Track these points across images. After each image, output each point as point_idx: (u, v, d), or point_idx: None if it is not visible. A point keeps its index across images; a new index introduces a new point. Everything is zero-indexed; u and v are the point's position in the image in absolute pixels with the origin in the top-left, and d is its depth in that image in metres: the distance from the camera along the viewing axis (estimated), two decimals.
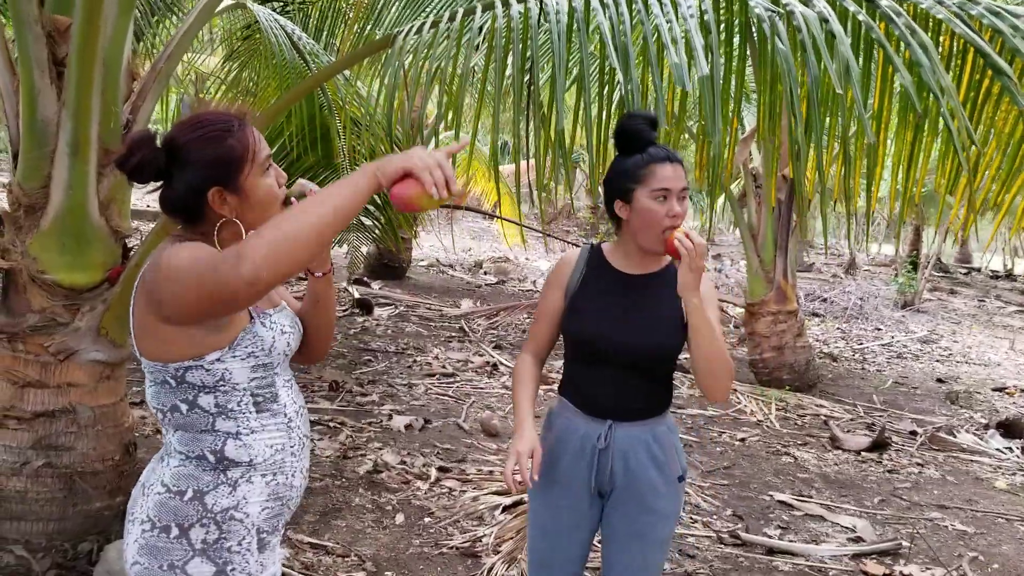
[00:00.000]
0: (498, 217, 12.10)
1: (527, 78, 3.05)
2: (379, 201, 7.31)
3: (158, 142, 1.61)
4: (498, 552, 3.63)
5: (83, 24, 2.75)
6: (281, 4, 7.20)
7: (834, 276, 19.83)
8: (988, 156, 3.44)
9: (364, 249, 11.03)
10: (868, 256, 27.67)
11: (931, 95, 2.50)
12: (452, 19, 3.06)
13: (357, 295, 9.51)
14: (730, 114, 3.27)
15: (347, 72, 5.74)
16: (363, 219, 7.36)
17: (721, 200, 14.55)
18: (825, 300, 14.07)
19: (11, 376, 3.01)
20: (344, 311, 9.10)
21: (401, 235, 10.20)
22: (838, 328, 12.03)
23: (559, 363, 2.61)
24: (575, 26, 2.77)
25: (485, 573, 3.47)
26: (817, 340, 10.73)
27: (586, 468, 2.20)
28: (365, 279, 11.09)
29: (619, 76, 2.71)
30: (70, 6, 2.85)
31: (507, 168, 14.88)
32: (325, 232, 1.40)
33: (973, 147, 3.03)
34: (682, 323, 2.21)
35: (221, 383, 1.62)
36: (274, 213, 1.62)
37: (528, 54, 2.92)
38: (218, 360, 1.60)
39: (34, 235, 2.98)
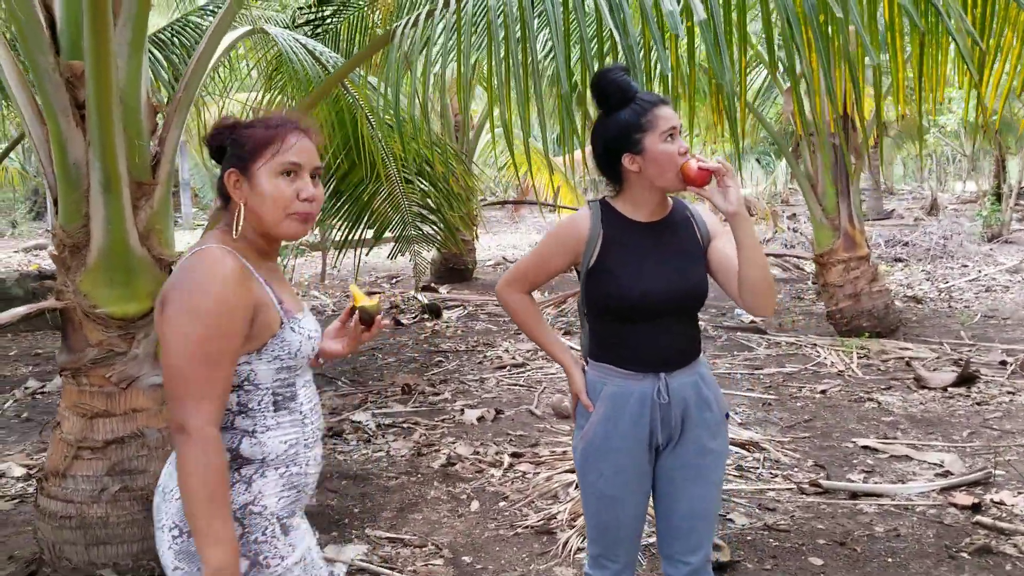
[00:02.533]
0: (559, 206, 12.10)
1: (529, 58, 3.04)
2: (433, 205, 7.41)
3: (233, 128, 1.74)
4: (573, 526, 3.63)
5: (94, 67, 2.88)
6: (311, 28, 7.37)
7: (916, 220, 19.15)
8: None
9: (428, 256, 11.19)
10: (954, 196, 26.63)
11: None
12: (447, 5, 3.09)
13: (425, 301, 9.64)
14: (735, 60, 3.21)
15: (373, 80, 5.84)
16: (421, 226, 7.46)
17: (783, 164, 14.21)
18: (907, 244, 13.61)
19: (80, 409, 3.16)
20: (413, 318, 9.23)
21: (462, 237, 10.31)
22: (922, 270, 11.62)
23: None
24: None
25: (560, 547, 3.48)
26: (900, 285, 10.39)
27: (647, 426, 2.19)
28: (432, 284, 11.23)
29: (618, 37, 2.70)
30: (83, 51, 2.99)
31: (560, 159, 14.85)
32: (191, 508, 1.56)
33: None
34: (704, 259, 2.22)
35: (246, 383, 1.68)
36: (277, 216, 1.68)
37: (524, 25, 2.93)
38: (246, 363, 1.66)
39: (82, 273, 3.12)
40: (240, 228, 1.69)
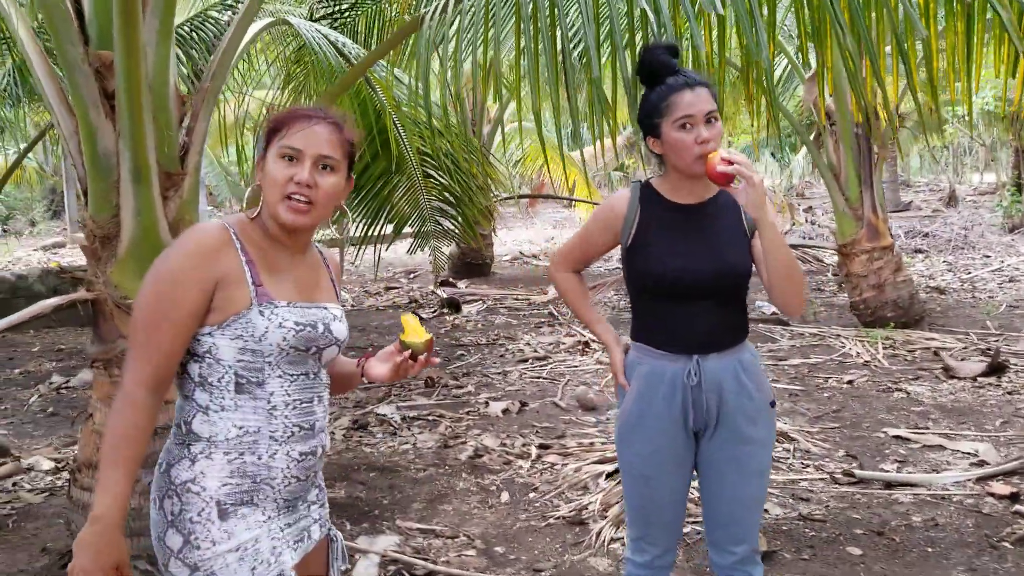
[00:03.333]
0: (575, 200, 12.06)
1: (559, 46, 3.01)
2: (453, 199, 7.39)
3: None
4: (605, 517, 3.60)
5: (124, 57, 2.86)
6: (330, 20, 7.35)
7: (935, 211, 19.00)
8: None
9: (446, 250, 11.17)
10: (971, 187, 26.43)
11: None
12: None
13: (444, 295, 9.62)
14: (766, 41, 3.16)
15: (398, 72, 5.82)
16: (441, 221, 7.44)
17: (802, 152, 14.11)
18: (927, 235, 13.51)
19: (111, 402, 3.14)
20: (433, 312, 9.22)
21: (480, 232, 10.29)
22: (943, 261, 11.52)
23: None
24: None
25: (594, 537, 3.46)
26: (922, 276, 10.30)
27: (679, 408, 2.16)
28: (451, 279, 11.22)
29: (651, 17, 2.66)
30: (112, 41, 2.97)
31: (577, 153, 14.80)
32: (101, 454, 1.63)
33: None
34: (746, 244, 2.18)
35: (207, 355, 1.67)
36: (273, 198, 1.69)
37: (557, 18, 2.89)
38: (207, 335, 1.66)
39: (113, 264, 3.10)
40: (250, 206, 1.75)
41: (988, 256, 11.80)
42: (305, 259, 1.80)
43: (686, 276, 2.13)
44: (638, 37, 3.06)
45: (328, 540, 1.89)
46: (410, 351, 1.82)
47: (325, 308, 1.78)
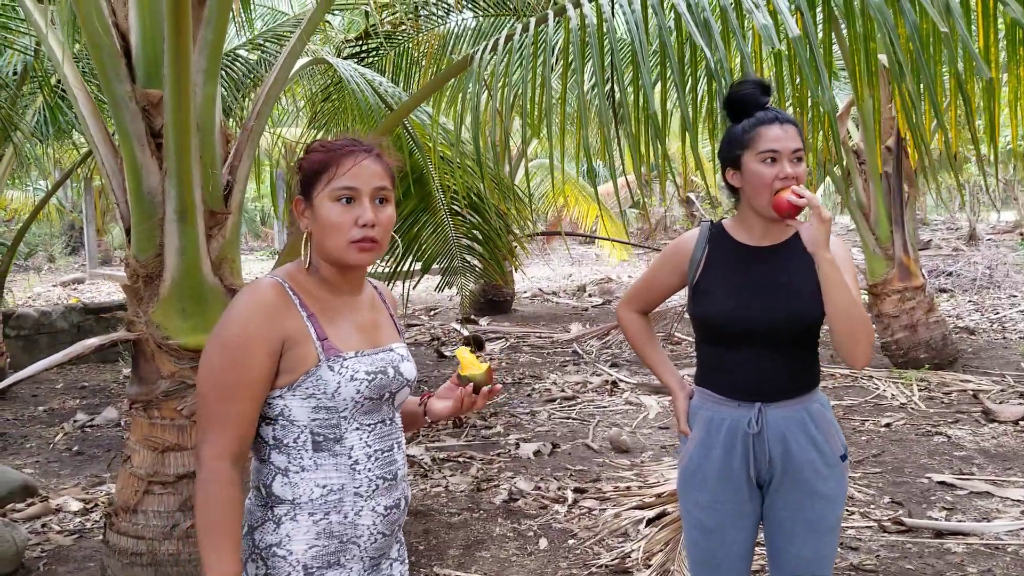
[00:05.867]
0: (596, 237, 12.02)
1: (608, 85, 2.99)
2: (480, 236, 7.36)
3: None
4: (649, 566, 3.50)
5: (174, 95, 2.85)
6: (357, 61, 7.40)
7: (955, 250, 18.85)
8: None
9: (473, 287, 11.13)
10: (989, 225, 26.29)
11: None
12: (526, 29, 3.04)
13: (467, 333, 9.56)
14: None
15: (430, 111, 5.82)
16: (468, 258, 7.40)
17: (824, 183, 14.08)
18: (951, 274, 13.37)
19: (151, 443, 3.09)
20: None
21: (506, 268, 10.24)
22: (969, 301, 11.39)
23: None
24: (650, 11, 2.71)
25: None
26: (949, 316, 10.17)
27: (740, 457, 2.09)
28: (472, 316, 11.16)
29: (705, 52, 2.63)
30: (159, 79, 2.96)
31: (603, 188, 14.81)
32: (198, 536, 1.56)
33: None
34: (818, 291, 2.08)
35: (280, 418, 1.61)
36: (338, 243, 1.61)
37: (607, 50, 2.87)
38: (279, 397, 1.60)
39: (155, 304, 3.07)
40: (310, 258, 1.66)
41: (1015, 296, 11.65)
42: (361, 299, 1.74)
43: (738, 321, 2.07)
44: (688, 76, 3.03)
45: None
46: (471, 384, 1.75)
47: (391, 350, 1.71)
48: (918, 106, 2.67)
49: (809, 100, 3.12)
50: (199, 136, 3.03)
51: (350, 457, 1.62)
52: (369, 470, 1.64)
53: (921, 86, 2.59)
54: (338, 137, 1.71)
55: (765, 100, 2.07)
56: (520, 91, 3.07)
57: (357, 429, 1.64)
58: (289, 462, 1.61)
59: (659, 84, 2.99)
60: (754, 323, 2.07)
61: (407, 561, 1.82)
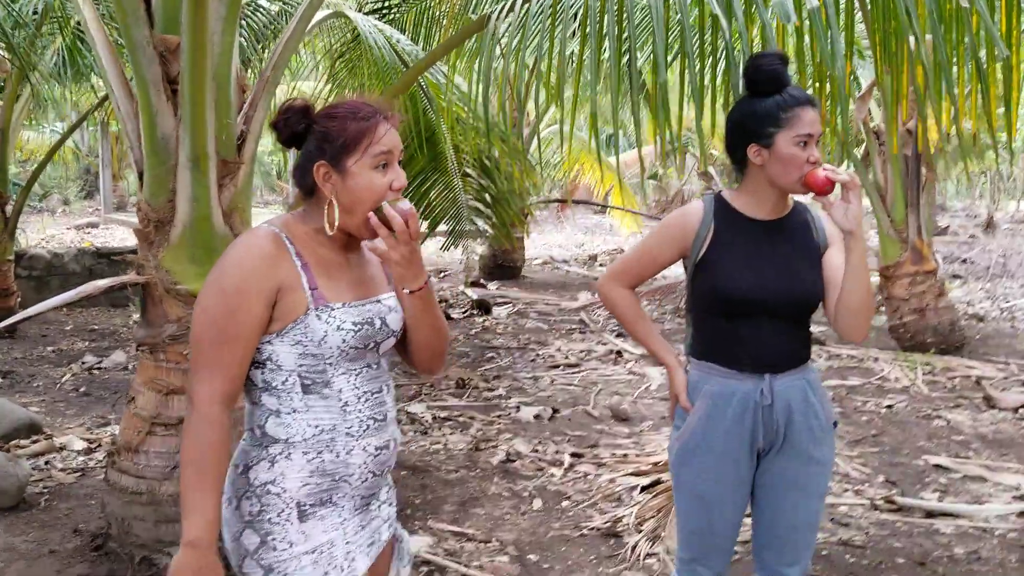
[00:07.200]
0: (605, 205, 12.00)
1: (626, 57, 2.96)
2: (489, 199, 7.36)
3: (308, 113, 1.68)
4: (640, 530, 3.55)
5: (191, 42, 2.86)
6: (378, 16, 7.35)
7: (971, 237, 18.72)
8: None
9: (479, 251, 11.14)
10: (1008, 214, 26.06)
11: None
12: None
13: (475, 297, 9.59)
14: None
15: (445, 71, 5.78)
16: (476, 221, 7.41)
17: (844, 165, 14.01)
18: (965, 261, 13.32)
19: (156, 386, 3.14)
20: (464, 313, 9.19)
21: (515, 234, 10.25)
22: (982, 288, 11.34)
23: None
24: None
25: (629, 551, 3.41)
26: (960, 302, 10.13)
27: (748, 428, 2.11)
28: (481, 281, 11.19)
29: (723, 24, 2.61)
30: (177, 25, 2.97)
31: (622, 157, 14.73)
32: (182, 477, 1.60)
33: None
34: (819, 265, 2.14)
35: (268, 362, 1.65)
36: (367, 209, 1.62)
37: (625, 23, 2.85)
38: (267, 342, 1.64)
39: (165, 248, 3.11)
40: (334, 225, 1.65)
41: None
42: (357, 253, 1.76)
43: (758, 295, 2.09)
44: (708, 45, 3.01)
45: (394, 540, 1.86)
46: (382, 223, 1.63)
47: (379, 301, 1.74)
48: (933, 85, 2.65)
49: (828, 80, 3.09)
50: (214, 84, 3.04)
51: (339, 399, 1.67)
52: (360, 411, 1.69)
53: (940, 66, 2.56)
54: (355, 99, 1.70)
55: (788, 76, 2.06)
56: (536, 55, 3.06)
57: (344, 374, 1.68)
58: (280, 404, 1.65)
59: (679, 57, 2.98)
60: (767, 296, 2.09)
61: (395, 504, 1.86)
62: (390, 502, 1.84)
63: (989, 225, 19.74)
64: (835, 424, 2.21)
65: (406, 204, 1.65)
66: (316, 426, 1.65)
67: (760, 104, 2.04)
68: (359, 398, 1.70)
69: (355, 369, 1.69)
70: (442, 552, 3.39)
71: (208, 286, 1.63)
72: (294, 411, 1.65)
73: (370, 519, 1.76)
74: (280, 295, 1.62)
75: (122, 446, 3.19)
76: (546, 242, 16.51)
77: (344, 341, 1.65)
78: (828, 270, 2.14)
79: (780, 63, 2.05)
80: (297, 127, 1.67)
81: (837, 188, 2.01)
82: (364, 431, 1.70)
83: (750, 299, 2.08)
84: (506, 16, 3.06)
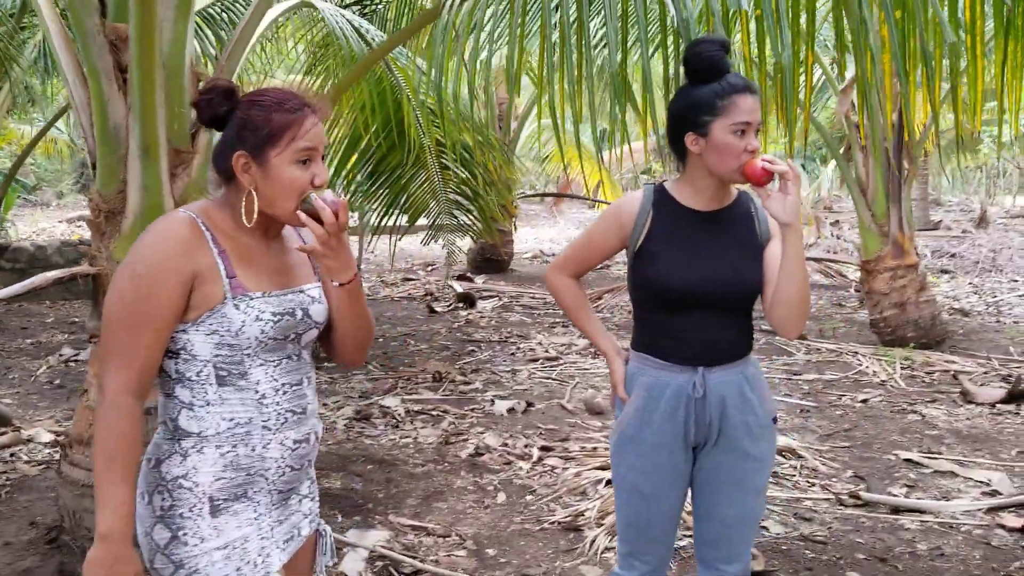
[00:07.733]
0: (598, 201, 11.97)
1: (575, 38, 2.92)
2: (471, 193, 7.33)
3: (232, 96, 1.64)
4: (601, 525, 3.53)
5: (138, 31, 2.83)
6: (359, 8, 7.30)
7: (964, 232, 18.69)
8: None
9: (463, 245, 11.10)
10: (1004, 209, 26.03)
11: None
12: None
13: (460, 290, 9.57)
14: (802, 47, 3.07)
15: (421, 62, 5.76)
16: (457, 214, 7.38)
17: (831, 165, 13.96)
18: (954, 256, 13.28)
19: None
20: (448, 306, 9.17)
21: (499, 228, 10.21)
22: (969, 283, 11.31)
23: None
24: None
25: (587, 545, 3.39)
26: (947, 296, 10.12)
27: (681, 421, 2.09)
28: (468, 274, 11.17)
29: (673, 11, 2.58)
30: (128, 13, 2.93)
31: (608, 155, 14.67)
32: (95, 469, 1.55)
33: None
34: (759, 257, 2.10)
35: (182, 352, 1.61)
36: (290, 205, 1.60)
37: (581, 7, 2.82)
38: (182, 331, 1.60)
39: (116, 239, 3.08)
40: (252, 217, 1.61)
41: (1016, 280, 11.57)
42: (277, 241, 1.72)
43: (694, 286, 2.06)
44: (669, 39, 2.98)
45: (316, 534, 1.83)
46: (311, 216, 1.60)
47: (302, 291, 1.70)
48: (903, 77, 2.62)
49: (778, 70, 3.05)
50: (166, 73, 3.01)
51: (256, 391, 1.64)
52: (277, 403, 1.66)
53: (907, 56, 2.53)
54: (283, 89, 1.66)
55: (728, 63, 2.02)
56: (492, 45, 3.03)
57: (261, 365, 1.64)
58: (193, 397, 1.62)
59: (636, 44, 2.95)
60: (701, 288, 2.06)
61: (317, 499, 1.83)
62: (312, 496, 1.81)
63: (982, 220, 19.71)
64: (775, 420, 2.17)
65: (331, 194, 1.63)
66: (231, 419, 1.62)
67: (698, 92, 2.01)
68: (277, 390, 1.66)
69: (274, 360, 1.66)
70: (399, 547, 3.37)
71: (121, 270, 1.59)
72: (208, 404, 1.62)
73: (289, 514, 1.74)
74: (196, 283, 1.58)
75: (74, 439, 3.16)
76: (537, 236, 16.48)
77: (263, 332, 1.62)
78: (768, 262, 2.11)
79: (720, 49, 2.01)
80: (219, 109, 1.63)
81: (777, 179, 1.98)
82: (282, 424, 1.67)
83: (682, 290, 2.05)
84: (461, 5, 3.02)
